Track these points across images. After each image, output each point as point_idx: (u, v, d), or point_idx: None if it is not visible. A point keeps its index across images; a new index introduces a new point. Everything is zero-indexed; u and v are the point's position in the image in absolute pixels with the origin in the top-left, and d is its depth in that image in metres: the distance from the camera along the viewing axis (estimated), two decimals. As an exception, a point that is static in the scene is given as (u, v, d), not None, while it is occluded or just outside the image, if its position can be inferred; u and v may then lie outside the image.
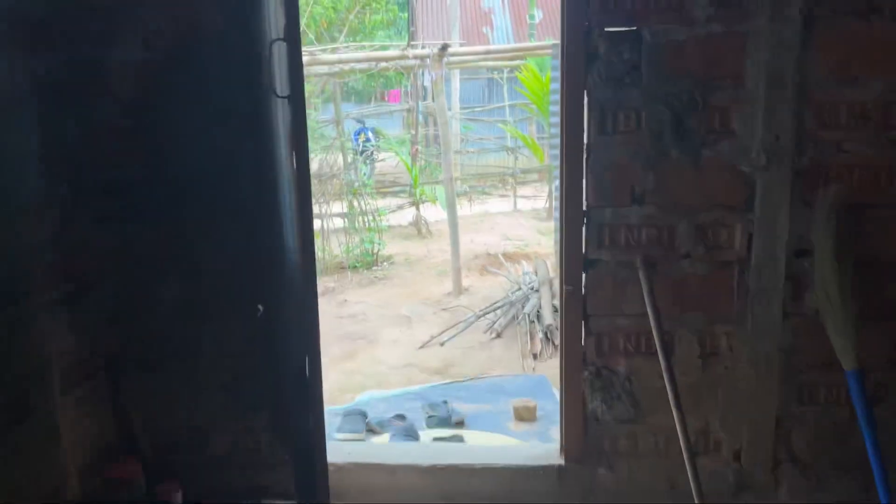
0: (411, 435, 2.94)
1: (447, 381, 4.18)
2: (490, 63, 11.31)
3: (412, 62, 6.91)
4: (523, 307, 4.99)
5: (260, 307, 2.34)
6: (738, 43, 2.10)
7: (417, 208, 8.80)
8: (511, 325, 4.95)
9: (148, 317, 2.43)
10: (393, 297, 6.07)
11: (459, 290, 5.94)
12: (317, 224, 7.36)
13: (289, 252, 2.15)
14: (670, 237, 2.22)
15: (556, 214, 5.97)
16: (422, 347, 4.78)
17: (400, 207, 9.17)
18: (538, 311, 4.86)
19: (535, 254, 7.15)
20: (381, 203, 8.34)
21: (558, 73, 5.71)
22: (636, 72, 2.14)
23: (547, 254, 6.97)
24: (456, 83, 12.43)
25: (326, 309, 5.87)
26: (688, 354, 2.28)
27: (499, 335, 4.85)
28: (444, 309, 5.60)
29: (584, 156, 2.19)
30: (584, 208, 2.22)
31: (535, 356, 4.42)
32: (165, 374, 2.46)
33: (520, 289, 5.34)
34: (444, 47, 6.41)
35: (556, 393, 3.91)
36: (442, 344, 4.72)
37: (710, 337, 2.28)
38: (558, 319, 4.83)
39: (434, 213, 8.77)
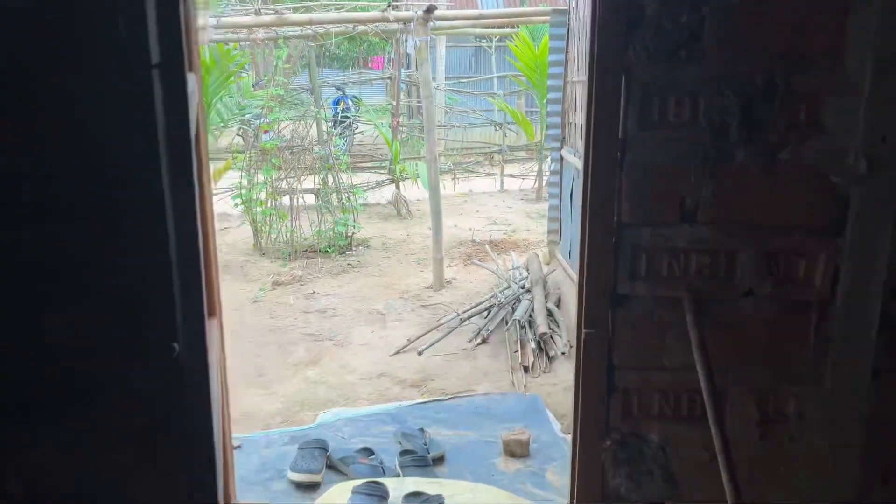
0: (377, 493, 2.37)
1: (425, 398, 3.62)
2: (479, 30, 10.62)
3: (394, 26, 6.24)
4: (513, 310, 4.41)
5: (175, 345, 1.79)
6: (840, 4, 1.52)
7: (397, 186, 8.17)
8: (499, 328, 4.39)
9: (29, 350, 1.83)
10: (367, 289, 5.48)
11: (441, 283, 5.36)
12: (286, 201, 6.72)
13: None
14: (729, 267, 1.67)
15: (553, 202, 5.39)
16: (396, 353, 4.21)
17: (378, 184, 8.52)
18: (530, 316, 4.29)
19: (525, 242, 6.58)
20: (357, 179, 7.68)
21: (560, 43, 5.12)
22: (695, 42, 1.56)
23: (538, 242, 6.40)
24: (441, 50, 11.71)
25: (292, 302, 5.27)
26: (742, 420, 1.75)
27: (485, 340, 4.29)
28: (423, 306, 5.02)
29: (619, 156, 1.62)
30: (616, 226, 1.66)
31: (525, 369, 3.86)
32: (53, 424, 1.87)
33: (509, 287, 4.77)
34: (430, 10, 5.73)
35: (553, 419, 3.36)
36: (420, 353, 4.14)
37: (774, 398, 1.75)
38: (553, 327, 4.29)
39: (415, 191, 8.15)
